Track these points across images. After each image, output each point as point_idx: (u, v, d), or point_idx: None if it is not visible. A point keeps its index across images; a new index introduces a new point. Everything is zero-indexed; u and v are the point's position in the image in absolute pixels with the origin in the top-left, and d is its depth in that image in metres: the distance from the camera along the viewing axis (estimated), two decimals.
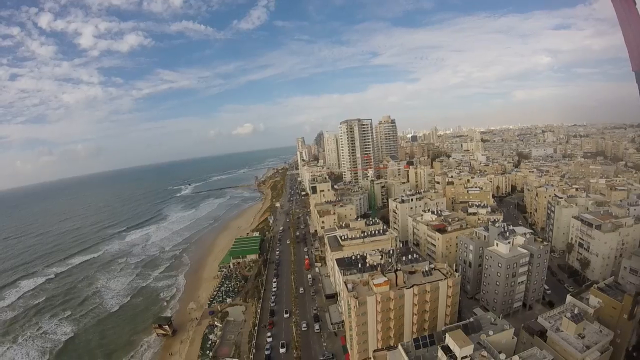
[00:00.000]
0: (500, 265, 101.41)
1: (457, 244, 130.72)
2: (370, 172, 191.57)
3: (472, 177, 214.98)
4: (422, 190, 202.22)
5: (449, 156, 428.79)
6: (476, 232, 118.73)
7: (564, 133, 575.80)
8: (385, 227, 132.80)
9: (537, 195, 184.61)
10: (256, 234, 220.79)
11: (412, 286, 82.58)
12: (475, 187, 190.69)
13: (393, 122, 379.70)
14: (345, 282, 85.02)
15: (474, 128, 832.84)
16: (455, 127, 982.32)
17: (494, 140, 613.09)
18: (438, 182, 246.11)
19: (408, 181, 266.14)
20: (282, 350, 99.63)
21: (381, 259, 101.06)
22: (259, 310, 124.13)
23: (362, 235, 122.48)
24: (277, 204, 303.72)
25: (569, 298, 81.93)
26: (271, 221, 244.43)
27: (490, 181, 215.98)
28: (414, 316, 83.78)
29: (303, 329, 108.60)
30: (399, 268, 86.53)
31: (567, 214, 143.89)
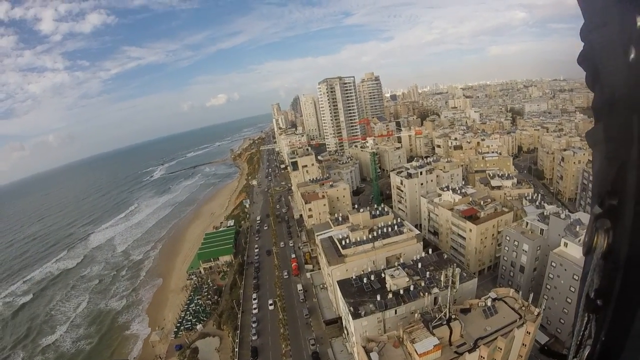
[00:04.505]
0: (576, 277, 69.60)
1: (493, 235, 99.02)
2: (370, 141, 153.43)
3: (483, 140, 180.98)
4: (424, 157, 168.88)
5: (438, 115, 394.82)
6: (528, 224, 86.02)
7: (548, 88, 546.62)
8: (400, 219, 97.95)
9: (562, 160, 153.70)
10: (231, 222, 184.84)
11: (476, 343, 49.56)
12: (492, 152, 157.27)
13: (377, 79, 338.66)
14: (365, 348, 50.98)
15: (453, 85, 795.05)
16: (432, 85, 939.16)
17: (477, 96, 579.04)
18: (439, 146, 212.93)
19: (401, 146, 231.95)
20: None
21: (408, 281, 67.50)
22: (236, 348, 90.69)
23: (370, 236, 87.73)
24: (254, 182, 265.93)
25: None
26: (247, 205, 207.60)
27: (504, 143, 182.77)
28: None
29: None
30: (454, 315, 52.83)
31: None
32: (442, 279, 57.35)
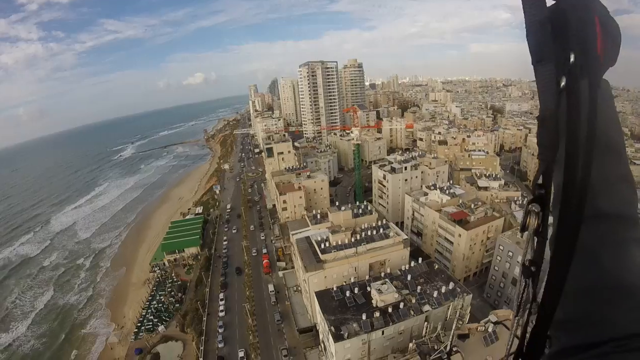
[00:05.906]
0: None
1: (482, 241, 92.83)
2: (356, 132, 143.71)
3: (469, 136, 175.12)
4: (405, 150, 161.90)
5: (418, 106, 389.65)
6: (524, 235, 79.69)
7: (528, 89, 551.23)
8: (385, 220, 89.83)
9: None
10: (199, 209, 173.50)
11: None
12: (479, 150, 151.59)
13: (360, 66, 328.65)
14: None
15: (433, 78, 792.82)
16: (412, 76, 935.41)
17: (457, 91, 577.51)
18: (421, 139, 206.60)
19: (382, 136, 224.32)
20: None
21: (397, 297, 59.79)
22: (200, 357, 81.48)
23: (352, 240, 79.41)
24: (226, 166, 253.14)
25: None
26: (217, 191, 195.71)
27: (488, 140, 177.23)
28: None
29: None
30: (455, 347, 45.30)
31: None
32: (449, 312, 49.55)
